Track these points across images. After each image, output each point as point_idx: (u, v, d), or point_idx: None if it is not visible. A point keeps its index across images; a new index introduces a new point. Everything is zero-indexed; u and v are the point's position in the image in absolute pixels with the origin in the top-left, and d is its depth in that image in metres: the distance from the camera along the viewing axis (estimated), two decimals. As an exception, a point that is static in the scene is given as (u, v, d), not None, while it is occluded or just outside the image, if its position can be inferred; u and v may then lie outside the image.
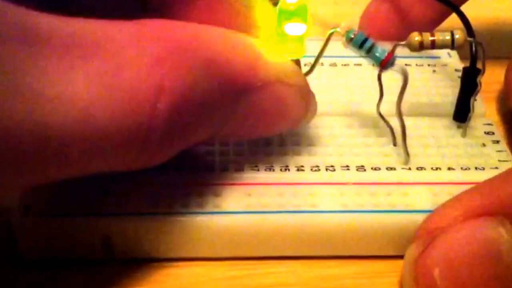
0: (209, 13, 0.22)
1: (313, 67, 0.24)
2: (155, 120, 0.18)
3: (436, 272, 0.20)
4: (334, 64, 0.29)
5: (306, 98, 0.23)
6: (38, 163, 0.17)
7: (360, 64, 0.29)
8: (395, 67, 0.23)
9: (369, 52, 0.23)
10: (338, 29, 0.23)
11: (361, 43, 0.23)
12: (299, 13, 0.23)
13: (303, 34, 0.23)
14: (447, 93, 0.28)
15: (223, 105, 0.21)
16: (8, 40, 0.16)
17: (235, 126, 0.22)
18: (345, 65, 0.29)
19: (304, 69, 0.28)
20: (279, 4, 0.23)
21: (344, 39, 0.23)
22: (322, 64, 0.29)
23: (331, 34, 0.23)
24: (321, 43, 0.24)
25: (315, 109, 0.24)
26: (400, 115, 0.24)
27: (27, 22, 0.17)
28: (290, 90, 0.22)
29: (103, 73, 0.17)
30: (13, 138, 0.16)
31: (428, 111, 0.27)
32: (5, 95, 0.16)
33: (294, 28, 0.23)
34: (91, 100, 0.17)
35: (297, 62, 0.24)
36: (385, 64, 0.23)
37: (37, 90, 0.16)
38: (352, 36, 0.23)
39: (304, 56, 0.24)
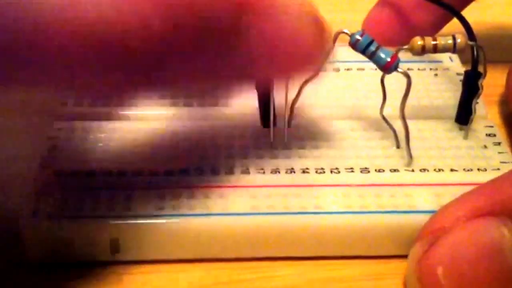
0: None
1: (317, 71, 0.24)
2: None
3: (440, 271, 0.21)
4: (337, 69, 0.30)
5: (319, 26, 0.21)
6: None
7: (363, 69, 0.30)
8: (399, 71, 0.23)
9: (373, 55, 0.23)
10: (345, 30, 0.23)
11: (365, 47, 0.23)
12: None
13: None
14: (449, 96, 0.28)
15: (226, 23, 0.19)
16: None
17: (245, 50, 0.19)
18: (348, 69, 0.30)
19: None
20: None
21: (349, 41, 0.24)
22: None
23: (338, 34, 0.23)
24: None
25: (330, 37, 0.22)
26: (403, 118, 0.24)
27: None
28: (299, 19, 0.20)
29: None
30: None
31: (430, 114, 0.27)
32: None
33: None
34: None
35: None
36: (389, 67, 0.23)
37: None
38: (358, 38, 0.23)
39: None
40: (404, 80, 0.24)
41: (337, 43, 0.24)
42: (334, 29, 0.23)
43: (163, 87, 0.21)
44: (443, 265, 0.21)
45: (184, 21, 0.18)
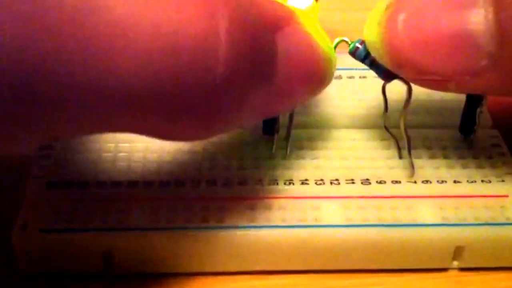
0: None
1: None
2: (219, 50, 0.17)
3: (401, 17, 0.20)
4: (339, 77, 0.29)
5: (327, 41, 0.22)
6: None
7: (365, 77, 0.29)
8: (399, 79, 0.23)
9: (373, 63, 0.23)
10: (345, 39, 0.23)
11: (364, 55, 0.23)
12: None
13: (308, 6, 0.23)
14: (452, 105, 0.27)
15: (269, 45, 0.19)
16: None
17: (281, 79, 0.20)
18: (350, 77, 0.29)
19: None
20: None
21: (348, 50, 0.23)
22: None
23: (338, 44, 0.23)
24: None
25: (336, 58, 0.23)
26: (404, 127, 0.24)
27: None
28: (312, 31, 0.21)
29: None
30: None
31: (433, 123, 0.27)
32: None
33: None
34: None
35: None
36: (389, 75, 0.23)
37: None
38: (358, 46, 0.23)
39: None
40: (405, 88, 0.23)
41: (338, 50, 0.23)
42: (341, 30, 0.23)
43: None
44: (406, 11, 0.20)
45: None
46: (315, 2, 0.23)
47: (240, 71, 0.17)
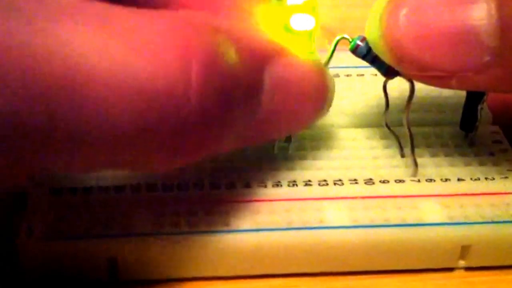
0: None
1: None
2: (190, 94, 0.17)
3: (404, 11, 0.20)
4: (337, 75, 0.29)
5: (322, 72, 0.22)
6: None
7: (362, 74, 0.29)
8: (401, 76, 0.23)
9: (375, 60, 0.23)
10: (345, 36, 0.23)
11: (366, 52, 0.23)
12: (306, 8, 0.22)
13: (311, 29, 0.22)
14: (452, 102, 0.27)
15: (252, 80, 0.20)
16: None
17: (267, 110, 0.20)
18: (347, 75, 0.29)
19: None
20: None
21: (349, 47, 0.23)
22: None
23: (338, 41, 0.23)
24: (325, 54, 0.23)
25: (333, 87, 0.23)
26: (408, 125, 0.23)
27: None
28: (305, 62, 0.22)
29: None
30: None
31: (434, 121, 0.27)
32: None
33: (301, 21, 0.22)
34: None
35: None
36: (391, 72, 0.23)
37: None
38: (359, 43, 0.22)
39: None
40: (406, 86, 0.23)
41: (337, 48, 0.23)
42: (339, 26, 0.23)
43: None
44: (408, 6, 0.20)
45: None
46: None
47: (214, 109, 0.18)
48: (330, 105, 0.23)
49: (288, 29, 0.22)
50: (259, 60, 0.20)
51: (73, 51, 0.16)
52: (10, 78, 0.15)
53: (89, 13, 0.17)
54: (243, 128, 0.20)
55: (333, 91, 0.23)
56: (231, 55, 0.19)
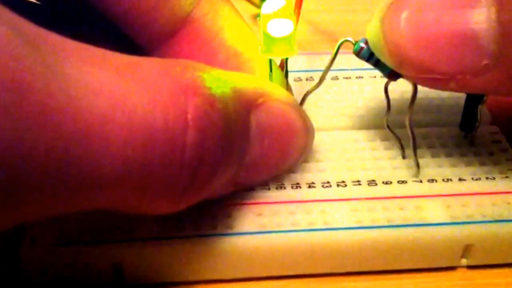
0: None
1: (321, 80, 0.24)
2: (185, 151, 0.18)
3: (404, 14, 0.20)
4: (336, 78, 0.29)
5: (303, 114, 0.23)
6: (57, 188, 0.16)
7: (361, 77, 0.29)
8: (404, 78, 0.23)
9: (378, 63, 0.23)
10: (348, 39, 0.23)
11: (369, 54, 0.23)
12: (284, 14, 0.22)
13: (290, 33, 0.22)
14: (452, 103, 0.28)
15: (240, 125, 0.20)
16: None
17: (255, 153, 0.21)
18: (347, 78, 0.29)
19: (309, 83, 0.28)
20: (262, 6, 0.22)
21: (353, 49, 0.23)
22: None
23: (341, 44, 0.23)
24: (327, 57, 0.24)
25: (313, 129, 0.24)
26: (411, 127, 0.24)
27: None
28: (288, 106, 0.22)
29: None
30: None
31: (434, 121, 0.27)
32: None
33: (280, 27, 0.22)
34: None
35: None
36: (394, 74, 0.23)
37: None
38: (363, 46, 0.23)
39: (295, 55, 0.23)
40: (405, 88, 0.23)
41: (336, 51, 0.23)
42: (339, 30, 0.23)
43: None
44: (409, 9, 0.20)
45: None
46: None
47: (209, 152, 0.19)
48: (312, 145, 0.24)
49: (267, 35, 0.22)
50: (245, 104, 0.21)
51: (78, 89, 0.16)
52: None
53: (91, 55, 0.17)
54: (233, 171, 0.21)
55: (313, 131, 0.24)
56: (226, 97, 0.19)
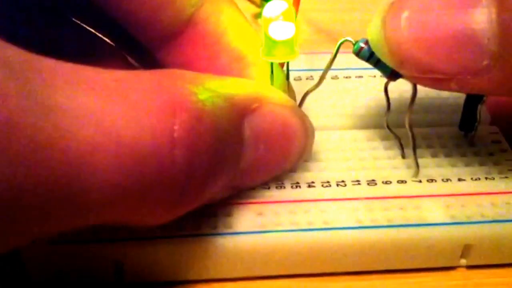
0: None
1: (321, 79, 0.24)
2: (174, 170, 0.18)
3: (405, 14, 0.20)
4: (336, 77, 0.29)
5: (301, 116, 0.23)
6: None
7: (361, 76, 0.29)
8: (404, 78, 0.23)
9: (378, 63, 0.23)
10: (348, 38, 0.23)
11: (369, 54, 0.23)
12: (286, 17, 0.22)
13: (292, 37, 0.22)
14: (451, 102, 0.28)
15: (232, 134, 0.20)
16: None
17: (250, 159, 0.21)
18: (346, 77, 0.29)
19: (309, 82, 0.28)
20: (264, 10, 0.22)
21: (353, 50, 0.23)
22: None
23: (341, 44, 0.23)
24: (327, 56, 0.24)
25: (313, 131, 0.24)
26: (410, 127, 0.24)
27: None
28: (285, 109, 0.22)
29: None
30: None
31: (433, 121, 0.27)
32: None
33: (282, 30, 0.22)
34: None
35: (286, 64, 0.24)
36: (394, 74, 0.23)
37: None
38: (362, 46, 0.23)
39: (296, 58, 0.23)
40: (405, 88, 0.23)
41: (336, 50, 0.23)
42: (339, 30, 0.23)
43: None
44: (410, 9, 0.21)
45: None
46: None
47: (198, 167, 0.19)
48: (312, 146, 0.24)
49: (269, 38, 0.22)
50: (238, 111, 0.21)
51: (66, 119, 0.16)
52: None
53: (81, 79, 0.17)
54: (229, 177, 0.21)
55: (313, 132, 0.24)
56: (217, 107, 0.20)
